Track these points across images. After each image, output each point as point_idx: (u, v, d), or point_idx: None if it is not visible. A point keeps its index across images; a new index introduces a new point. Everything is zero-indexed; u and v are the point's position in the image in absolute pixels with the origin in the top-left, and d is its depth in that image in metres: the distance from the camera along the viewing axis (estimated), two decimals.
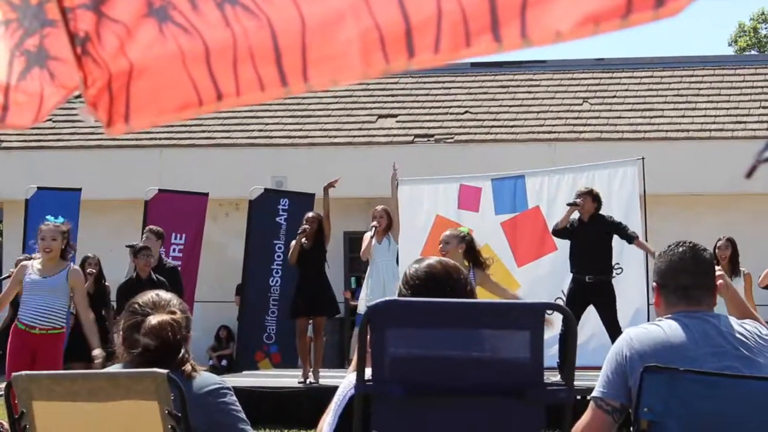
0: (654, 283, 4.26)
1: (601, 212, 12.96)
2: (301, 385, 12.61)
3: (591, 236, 12.68)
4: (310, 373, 12.81)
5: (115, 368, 4.07)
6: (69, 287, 10.37)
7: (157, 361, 3.86)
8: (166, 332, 3.95)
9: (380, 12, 2.19)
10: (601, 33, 2.03)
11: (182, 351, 3.98)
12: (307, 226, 12.88)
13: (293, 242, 13.08)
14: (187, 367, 3.97)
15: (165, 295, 4.13)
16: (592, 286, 12.62)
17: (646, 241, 14.25)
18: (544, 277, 14.41)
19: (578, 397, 5.40)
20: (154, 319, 3.97)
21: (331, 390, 3.72)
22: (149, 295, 4.10)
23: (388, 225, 13.51)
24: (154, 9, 2.38)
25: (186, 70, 2.38)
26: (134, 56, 2.43)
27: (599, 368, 4.14)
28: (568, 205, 12.84)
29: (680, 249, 4.22)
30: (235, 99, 2.40)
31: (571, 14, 2.03)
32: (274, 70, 2.31)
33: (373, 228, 13.38)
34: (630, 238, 12.98)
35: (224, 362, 20.27)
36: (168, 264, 13.64)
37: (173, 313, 4.01)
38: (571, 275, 12.90)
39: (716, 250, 12.94)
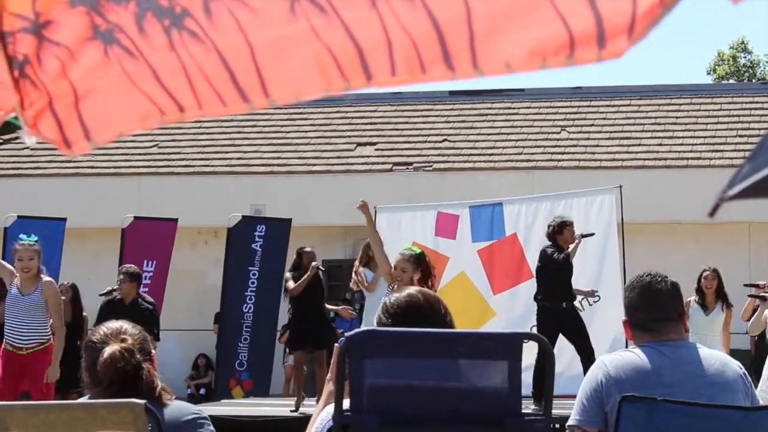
0: (623, 319, 4.34)
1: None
2: (285, 414, 12.67)
3: (569, 265, 12.74)
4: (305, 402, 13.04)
5: (86, 399, 4.05)
6: (44, 300, 10.68)
7: (120, 392, 3.85)
8: (118, 362, 3.93)
9: (328, 38, 2.22)
10: (549, 68, 2.08)
11: (144, 375, 3.94)
12: (321, 267, 13.15)
13: (287, 273, 13.26)
14: (160, 393, 3.94)
15: (115, 324, 4.11)
16: (566, 312, 12.66)
17: (624, 267, 14.31)
18: (520, 305, 14.43)
19: (556, 426, 5.40)
20: (105, 353, 3.95)
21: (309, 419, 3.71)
22: (102, 329, 4.09)
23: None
24: (99, 32, 2.40)
25: (137, 87, 2.40)
26: (76, 77, 2.44)
27: (575, 396, 4.16)
28: (584, 236, 12.80)
29: (636, 284, 4.28)
30: (198, 111, 2.41)
31: (518, 48, 2.08)
32: (231, 88, 2.33)
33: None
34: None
35: (202, 390, 20.20)
36: (143, 305, 13.27)
37: (124, 341, 3.99)
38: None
39: (702, 280, 12.96)
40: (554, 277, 12.74)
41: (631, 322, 4.26)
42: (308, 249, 13.46)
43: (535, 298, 12.95)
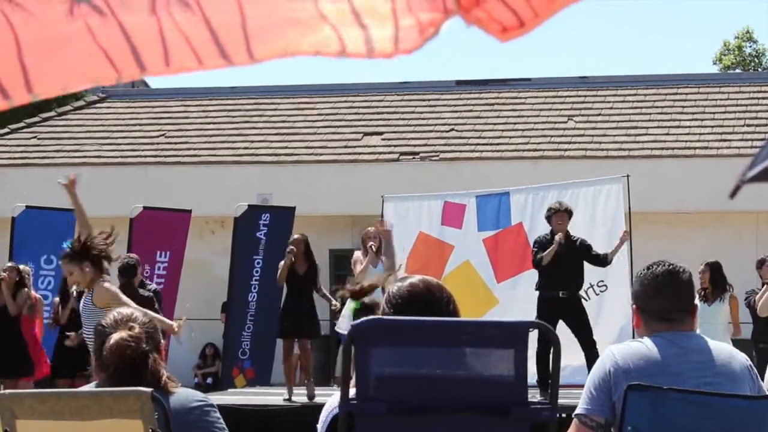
0: (633, 306, 4.29)
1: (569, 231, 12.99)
2: (287, 403, 12.64)
3: (565, 254, 12.72)
4: (295, 390, 12.93)
5: (91, 386, 4.07)
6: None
7: (125, 379, 3.86)
8: (124, 350, 3.94)
9: (102, 36, 2.32)
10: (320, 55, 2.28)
11: (149, 364, 3.96)
12: (292, 248, 12.93)
13: (281, 262, 13.13)
14: (165, 382, 3.96)
15: (126, 311, 4.13)
16: (563, 302, 12.65)
17: (631, 257, 14.31)
18: (523, 293, 14.45)
19: (562, 415, 5.41)
20: (112, 339, 3.97)
21: (317, 408, 3.72)
22: (113, 314, 4.10)
23: (379, 246, 13.48)
24: None
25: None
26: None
27: (580, 386, 4.16)
28: (556, 241, 12.80)
29: (659, 272, 4.23)
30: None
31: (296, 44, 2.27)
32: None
33: (371, 246, 13.28)
34: (603, 262, 13.07)
35: (209, 380, 20.23)
36: (145, 293, 13.24)
37: (131, 328, 4.00)
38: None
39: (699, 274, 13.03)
40: (548, 266, 12.75)
41: (645, 311, 4.21)
42: (295, 236, 13.38)
43: (536, 287, 13.01)
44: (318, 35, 2.27)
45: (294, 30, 2.27)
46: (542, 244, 12.93)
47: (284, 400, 12.81)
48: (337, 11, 2.28)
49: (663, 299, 4.18)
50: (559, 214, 12.87)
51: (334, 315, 14.39)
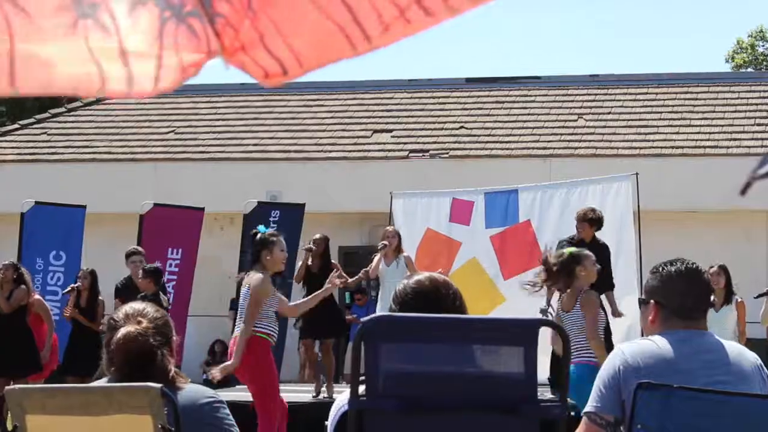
0: (651, 302, 4.25)
1: (597, 237, 12.85)
2: (298, 400, 12.74)
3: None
4: (324, 388, 13.04)
5: (102, 382, 4.07)
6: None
7: (132, 373, 3.86)
8: (132, 344, 3.94)
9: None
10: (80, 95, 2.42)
11: (157, 359, 3.95)
12: (310, 246, 13.00)
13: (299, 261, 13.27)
14: (173, 377, 3.94)
15: (138, 305, 4.12)
16: None
17: (640, 255, 14.27)
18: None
19: (572, 413, 5.41)
20: (120, 333, 3.96)
21: (327, 405, 3.73)
22: (124, 308, 4.10)
23: (398, 246, 13.51)
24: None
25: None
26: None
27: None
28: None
29: (682, 270, 4.22)
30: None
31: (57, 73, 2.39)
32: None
33: (384, 246, 13.34)
34: (609, 286, 12.88)
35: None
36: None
37: (140, 323, 4.00)
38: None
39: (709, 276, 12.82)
40: None
41: (666, 307, 4.19)
42: (317, 236, 13.40)
43: None
44: (81, 70, 2.35)
45: (61, 64, 2.36)
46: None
47: (313, 396, 12.96)
48: (104, 49, 2.36)
49: (689, 297, 4.18)
50: (581, 223, 12.73)
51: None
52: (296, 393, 13.71)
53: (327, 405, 3.73)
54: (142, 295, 11.61)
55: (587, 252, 9.60)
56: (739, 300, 13.02)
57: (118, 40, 2.37)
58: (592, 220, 12.75)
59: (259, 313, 9.53)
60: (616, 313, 12.63)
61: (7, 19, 2.33)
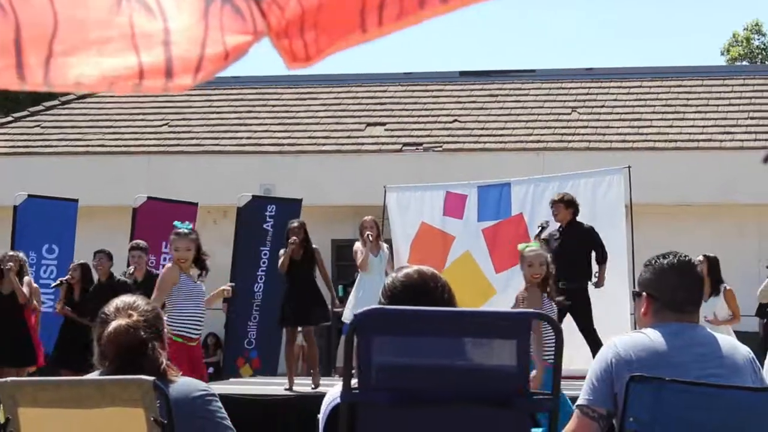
0: (643, 294, 4.25)
1: (579, 220, 13.00)
2: (288, 393, 12.59)
3: (567, 243, 12.69)
4: (299, 381, 12.90)
5: (94, 375, 4.06)
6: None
7: (123, 367, 3.86)
8: (123, 337, 3.94)
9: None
10: (116, 91, 2.34)
11: (148, 352, 3.94)
12: (294, 238, 12.80)
13: (281, 251, 13.01)
14: (164, 370, 3.94)
15: (129, 298, 4.12)
16: (566, 292, 12.61)
17: (633, 249, 14.29)
18: (521, 284, 14.43)
19: None
20: (110, 327, 3.96)
21: (318, 397, 3.72)
22: (115, 302, 4.09)
23: (378, 234, 13.45)
24: None
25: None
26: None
27: (582, 377, 4.15)
28: (538, 227, 12.88)
29: (675, 263, 4.22)
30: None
31: (92, 71, 2.32)
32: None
33: (368, 236, 13.23)
34: (600, 260, 13.04)
35: (211, 369, 20.24)
36: (119, 280, 13.61)
37: (130, 316, 4.00)
38: None
39: None
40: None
41: (659, 300, 4.19)
42: (294, 223, 13.17)
43: None
44: (119, 63, 2.31)
45: (97, 54, 2.31)
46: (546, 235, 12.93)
47: (285, 389, 12.73)
48: (146, 34, 2.33)
49: (682, 290, 4.18)
50: (555, 205, 12.93)
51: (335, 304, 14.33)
52: (268, 386, 13.66)
53: (319, 398, 3.73)
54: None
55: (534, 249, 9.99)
56: (727, 288, 13.08)
57: (163, 20, 2.32)
58: (566, 202, 12.86)
59: (173, 309, 9.94)
60: (600, 285, 12.86)
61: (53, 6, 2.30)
